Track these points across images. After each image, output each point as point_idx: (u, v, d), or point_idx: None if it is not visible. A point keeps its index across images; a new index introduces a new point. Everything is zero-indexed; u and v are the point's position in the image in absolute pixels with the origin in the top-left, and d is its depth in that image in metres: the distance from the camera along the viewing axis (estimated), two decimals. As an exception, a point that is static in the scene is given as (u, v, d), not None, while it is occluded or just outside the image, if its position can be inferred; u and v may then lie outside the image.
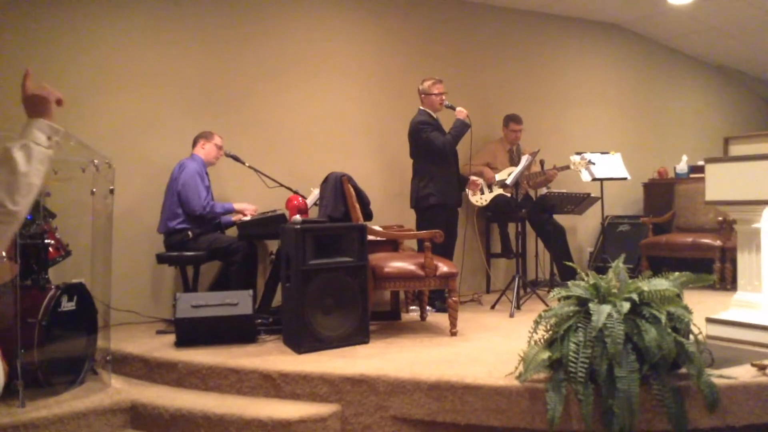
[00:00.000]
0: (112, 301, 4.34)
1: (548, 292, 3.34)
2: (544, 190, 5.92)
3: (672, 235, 6.21)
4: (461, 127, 5.09)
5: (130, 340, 4.15)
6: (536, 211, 5.82)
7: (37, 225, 3.67)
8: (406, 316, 4.84)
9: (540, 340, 3.10)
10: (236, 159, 4.88)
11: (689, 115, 8.02)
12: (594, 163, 5.82)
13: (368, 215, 4.34)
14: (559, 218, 5.98)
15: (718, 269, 5.61)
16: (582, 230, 7.06)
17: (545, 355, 2.97)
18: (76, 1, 4.77)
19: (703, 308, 4.10)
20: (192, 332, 3.93)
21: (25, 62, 4.56)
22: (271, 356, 3.63)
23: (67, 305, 3.53)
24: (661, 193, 6.93)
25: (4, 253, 3.31)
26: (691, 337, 2.93)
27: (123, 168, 4.58)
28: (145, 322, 4.76)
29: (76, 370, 3.55)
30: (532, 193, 6.21)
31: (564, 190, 5.78)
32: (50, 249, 3.72)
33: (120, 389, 3.51)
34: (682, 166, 6.95)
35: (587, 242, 7.14)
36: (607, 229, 6.68)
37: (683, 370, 2.88)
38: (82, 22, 4.80)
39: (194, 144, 4.88)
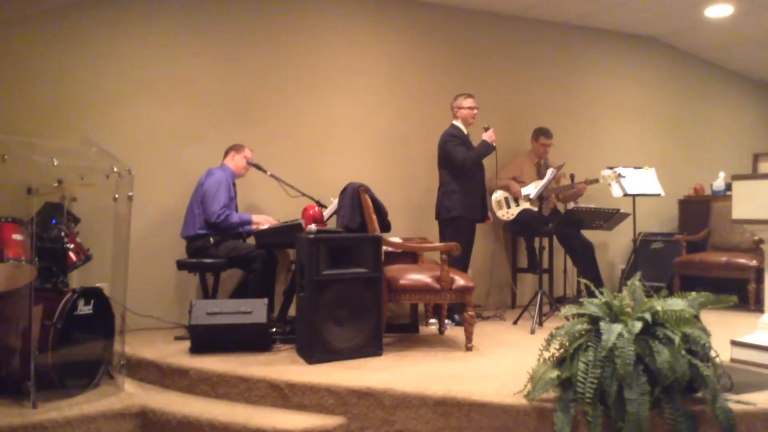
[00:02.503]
0: (134, 306, 4.42)
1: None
2: (571, 205, 5.80)
3: (706, 254, 6.02)
4: (484, 148, 5.13)
5: (147, 345, 4.19)
6: (564, 225, 5.70)
7: (58, 229, 3.74)
8: (424, 329, 4.78)
9: (550, 358, 3.03)
10: (258, 168, 4.91)
11: (728, 131, 7.79)
12: (624, 177, 5.68)
13: (386, 226, 4.30)
14: (589, 234, 5.85)
15: (752, 290, 5.42)
16: (614, 247, 6.90)
17: (554, 373, 2.89)
18: (101, 12, 4.88)
19: (733, 330, 3.96)
20: (206, 339, 3.94)
21: (51, 71, 4.72)
22: (281, 366, 3.62)
23: (84, 309, 3.59)
24: (696, 210, 6.74)
25: (22, 257, 3.39)
26: (710, 360, 2.82)
27: (148, 176, 4.69)
28: (165, 327, 4.79)
29: (92, 374, 3.60)
30: (561, 207, 6.10)
31: (593, 205, 5.65)
32: (70, 253, 3.79)
33: (132, 394, 3.54)
34: (719, 183, 6.75)
35: (619, 259, 6.97)
36: (639, 247, 6.51)
37: (699, 394, 2.77)
38: (107, 32, 4.89)
39: (225, 155, 4.95)
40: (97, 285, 3.94)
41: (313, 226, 4.01)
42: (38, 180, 3.76)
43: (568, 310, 3.04)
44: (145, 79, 4.99)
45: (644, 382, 2.68)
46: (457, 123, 5.28)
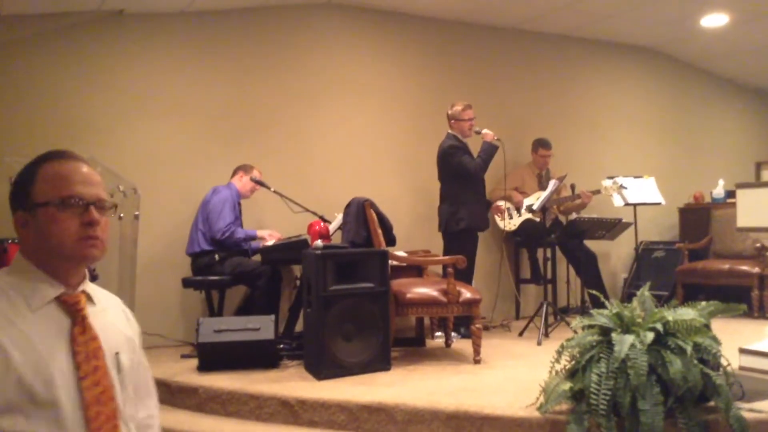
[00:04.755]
0: (141, 324, 4.33)
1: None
2: (573, 215, 5.82)
3: (708, 262, 6.04)
4: (489, 150, 5.09)
5: (154, 363, 4.10)
6: (566, 236, 5.71)
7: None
8: (430, 343, 4.78)
9: (562, 370, 3.02)
10: (262, 184, 4.92)
11: (726, 139, 7.84)
12: (626, 188, 5.71)
13: (391, 240, 4.31)
14: (591, 244, 5.86)
15: (756, 297, 5.43)
16: (616, 256, 6.92)
17: (567, 386, 2.88)
18: (106, 32, 4.91)
19: (739, 338, 3.96)
20: (214, 357, 3.93)
21: (56, 92, 4.73)
22: (291, 382, 3.61)
23: (91, 329, 3.57)
24: (697, 218, 6.76)
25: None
26: (721, 369, 2.82)
27: (154, 195, 4.70)
28: (172, 345, 4.79)
29: (100, 394, 3.58)
30: (562, 218, 6.12)
31: (594, 215, 5.67)
32: (77, 273, 3.77)
33: (141, 413, 3.52)
34: (719, 191, 6.78)
35: (621, 268, 6.99)
36: (641, 256, 6.53)
37: (711, 403, 2.77)
38: (112, 51, 4.92)
39: (233, 174, 4.96)
40: (104, 304, 3.92)
41: (319, 242, 4.02)
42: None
43: (578, 322, 3.04)
44: (149, 99, 5.01)
45: (657, 392, 2.68)
46: (454, 133, 5.20)
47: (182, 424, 3.36)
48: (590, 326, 3.01)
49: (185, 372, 3.92)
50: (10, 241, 3.44)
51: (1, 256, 3.40)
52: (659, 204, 6.18)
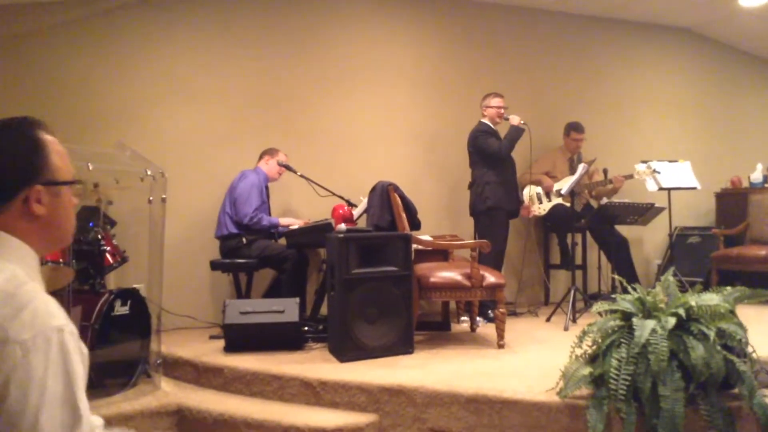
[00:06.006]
0: (170, 305, 4.50)
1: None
2: (605, 200, 5.73)
3: (744, 248, 5.89)
4: (514, 132, 5.14)
5: (183, 344, 4.26)
6: (597, 221, 5.63)
7: (94, 232, 3.83)
8: (456, 327, 4.78)
9: (583, 355, 3.00)
10: (288, 168, 4.96)
11: (765, 122, 7.60)
12: (660, 172, 5.59)
13: (415, 225, 4.31)
14: (624, 229, 5.77)
15: (793, 284, 5.28)
16: (649, 242, 6.79)
17: (587, 370, 2.87)
18: (133, 18, 4.98)
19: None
20: (240, 338, 3.99)
21: (85, 78, 4.83)
22: (314, 364, 3.65)
23: (121, 310, 3.66)
24: (734, 203, 6.59)
25: (61, 260, 3.48)
26: (747, 355, 2.77)
27: (181, 178, 4.78)
28: (201, 327, 4.88)
29: (129, 373, 3.67)
30: (593, 202, 6.03)
31: (626, 200, 5.57)
32: (107, 255, 3.87)
33: (169, 392, 3.61)
34: (757, 175, 6.59)
35: (655, 254, 6.86)
36: (675, 241, 6.40)
37: (735, 390, 2.72)
38: (140, 37, 5.00)
39: (260, 158, 5.01)
40: (134, 286, 4.02)
41: (342, 226, 4.04)
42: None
43: (600, 306, 3.00)
44: (176, 83, 5.08)
45: (678, 378, 2.64)
46: (485, 120, 5.29)
47: (207, 402, 3.44)
48: (612, 311, 2.98)
49: (212, 352, 3.99)
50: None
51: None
52: (694, 189, 6.04)
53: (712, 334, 2.66)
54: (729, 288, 2.91)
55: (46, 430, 1.08)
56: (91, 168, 3.51)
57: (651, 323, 2.73)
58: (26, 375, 1.05)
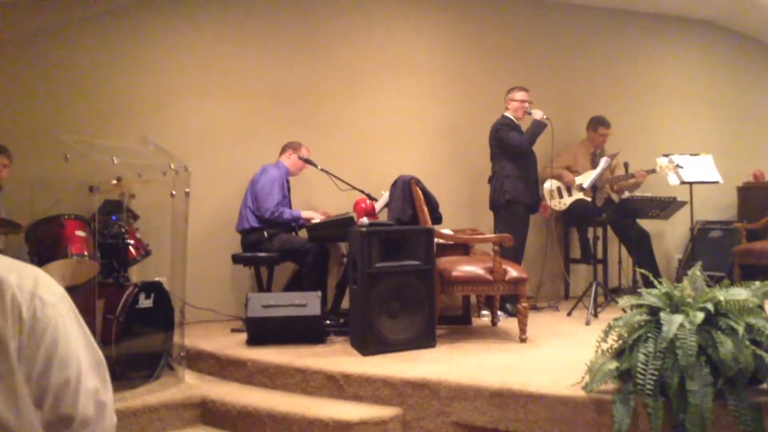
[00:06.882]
0: (192, 299, 4.53)
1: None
2: (626, 194, 5.68)
3: (767, 242, 5.82)
4: (536, 127, 5.13)
5: (206, 337, 4.29)
6: (619, 215, 5.59)
7: (118, 225, 3.86)
8: (477, 321, 4.77)
9: (609, 350, 2.98)
10: (309, 162, 4.96)
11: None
12: (682, 167, 5.54)
13: (437, 219, 4.30)
14: (644, 223, 5.73)
15: (818, 279, 5.21)
16: (670, 236, 6.74)
17: (613, 365, 2.84)
18: (155, 13, 5.01)
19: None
20: (262, 331, 4.02)
21: (110, 72, 4.86)
22: (336, 357, 3.66)
23: (145, 303, 3.69)
24: (756, 197, 6.52)
25: (86, 253, 3.51)
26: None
27: (204, 172, 4.80)
28: (223, 320, 4.91)
29: (153, 365, 3.71)
30: (615, 196, 5.98)
31: (648, 194, 5.53)
32: (130, 249, 3.90)
33: (192, 385, 3.64)
34: (781, 169, 6.51)
35: (676, 249, 6.80)
36: (697, 236, 6.34)
37: (764, 386, 2.70)
38: (162, 32, 5.04)
39: (282, 152, 5.02)
40: (157, 279, 4.05)
41: (365, 219, 4.04)
42: (99, 178, 3.89)
43: (626, 301, 2.98)
44: (200, 78, 5.10)
45: (707, 373, 2.61)
46: (508, 114, 5.27)
47: (231, 395, 3.46)
48: (638, 305, 2.96)
49: (235, 346, 4.01)
50: (66, 217, 3.56)
51: (58, 231, 3.52)
52: (717, 183, 5.98)
53: (740, 329, 2.62)
54: (757, 283, 2.88)
55: (90, 384, 1.18)
56: (115, 162, 3.54)
57: (679, 318, 2.71)
58: (64, 331, 1.17)
